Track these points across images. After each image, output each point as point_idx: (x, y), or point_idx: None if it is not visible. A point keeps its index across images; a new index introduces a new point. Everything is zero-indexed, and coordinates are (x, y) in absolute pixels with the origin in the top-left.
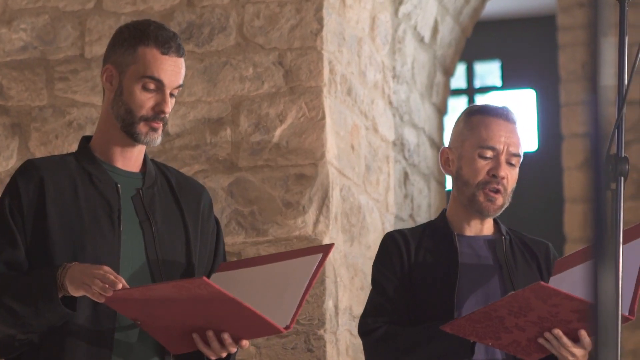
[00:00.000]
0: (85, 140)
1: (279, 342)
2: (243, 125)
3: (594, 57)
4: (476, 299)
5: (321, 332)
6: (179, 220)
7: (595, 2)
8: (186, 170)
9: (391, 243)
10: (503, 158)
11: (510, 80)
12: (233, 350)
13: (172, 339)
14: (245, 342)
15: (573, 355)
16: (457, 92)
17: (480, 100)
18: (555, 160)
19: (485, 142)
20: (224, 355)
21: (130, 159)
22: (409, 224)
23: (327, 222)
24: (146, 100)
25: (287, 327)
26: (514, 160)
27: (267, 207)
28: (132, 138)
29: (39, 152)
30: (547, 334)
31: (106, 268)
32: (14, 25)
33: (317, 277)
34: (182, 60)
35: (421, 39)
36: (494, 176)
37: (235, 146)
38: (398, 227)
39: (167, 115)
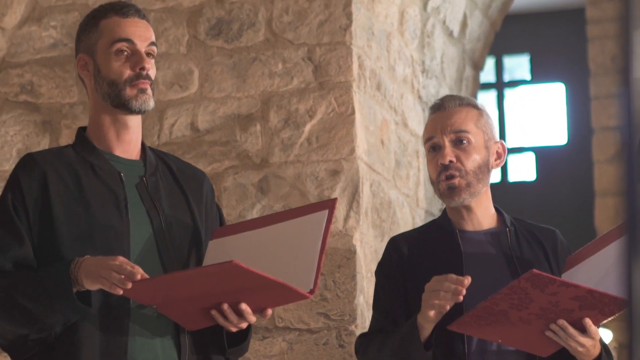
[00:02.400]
0: (82, 131)
1: (310, 338)
2: (273, 121)
3: (625, 49)
4: (486, 296)
5: (352, 327)
6: (184, 207)
7: None
8: (216, 167)
9: (393, 249)
10: (446, 142)
11: (539, 73)
12: (253, 320)
13: (189, 317)
14: (269, 311)
15: (582, 345)
16: (487, 86)
17: (509, 94)
18: (585, 153)
19: (426, 135)
20: (244, 326)
21: (129, 144)
22: None
23: (358, 218)
24: (123, 64)
25: (311, 292)
26: (461, 139)
27: (297, 203)
28: (125, 108)
29: None
30: (553, 326)
31: (121, 259)
32: (44, 22)
33: (328, 234)
34: (145, 22)
35: (450, 33)
36: (442, 164)
37: (265, 142)
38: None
39: (149, 73)
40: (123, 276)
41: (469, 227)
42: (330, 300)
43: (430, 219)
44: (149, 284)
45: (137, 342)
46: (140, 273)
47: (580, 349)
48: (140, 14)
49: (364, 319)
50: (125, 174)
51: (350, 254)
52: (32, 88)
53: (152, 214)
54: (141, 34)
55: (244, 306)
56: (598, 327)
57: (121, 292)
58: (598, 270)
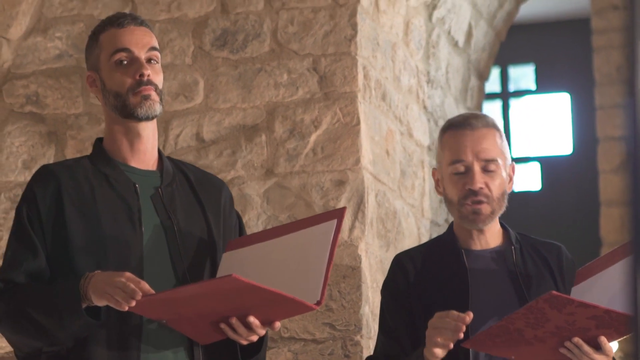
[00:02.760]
0: (99, 142)
1: (315, 348)
2: (278, 131)
3: (630, 59)
4: (492, 315)
5: (358, 337)
6: (200, 217)
7: (631, 4)
8: (222, 177)
9: (397, 268)
10: (476, 168)
11: (544, 83)
12: (262, 332)
13: (200, 330)
14: (277, 324)
15: None
16: (492, 96)
17: (514, 104)
18: (590, 163)
19: (453, 158)
20: (255, 339)
21: (144, 154)
22: (445, 229)
23: (363, 228)
24: (123, 75)
25: (318, 303)
26: (491, 167)
27: (303, 213)
28: (131, 117)
29: None
30: (567, 343)
31: (128, 275)
32: (49, 33)
33: (336, 244)
34: (144, 28)
35: (455, 44)
36: (471, 190)
37: (270, 152)
38: (434, 233)
39: (151, 78)
40: (127, 293)
41: (477, 246)
42: (336, 310)
43: (435, 229)
44: (153, 300)
45: (150, 356)
46: (143, 291)
47: None
48: (136, 21)
49: (369, 329)
50: (141, 185)
51: (355, 264)
52: (37, 99)
53: (166, 225)
54: (138, 40)
55: (252, 319)
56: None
57: (126, 309)
58: (610, 286)
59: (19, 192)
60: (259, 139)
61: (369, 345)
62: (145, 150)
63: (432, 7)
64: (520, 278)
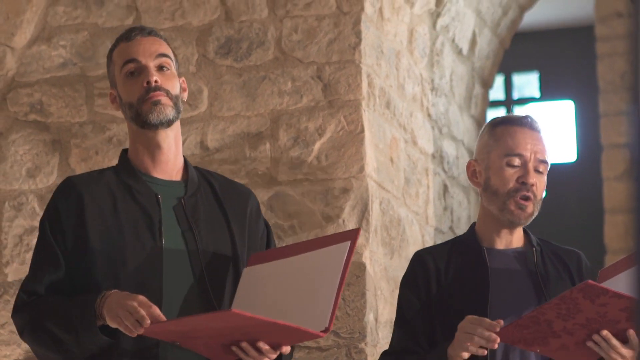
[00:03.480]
0: (125, 153)
1: (320, 356)
2: (282, 139)
3: (634, 67)
4: (510, 313)
5: (362, 345)
6: (224, 228)
7: (635, 12)
8: None
9: (418, 265)
10: (531, 165)
11: (548, 91)
12: (273, 357)
13: (213, 351)
14: (286, 349)
15: (623, 356)
16: (496, 104)
17: (518, 111)
18: (594, 170)
19: (512, 150)
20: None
21: (167, 164)
22: (449, 236)
23: (367, 235)
24: (133, 84)
25: (325, 330)
26: (541, 168)
27: (307, 221)
28: (146, 124)
29: (79, 168)
30: (595, 337)
31: (140, 299)
32: (53, 42)
33: (348, 268)
34: (152, 37)
35: (459, 51)
36: (524, 183)
37: (274, 160)
38: (438, 240)
39: (159, 85)
40: (136, 320)
41: (500, 245)
42: (340, 318)
43: (439, 236)
44: (162, 326)
45: None
46: (153, 316)
47: (620, 359)
48: (144, 32)
49: (373, 336)
50: (163, 195)
51: (359, 272)
52: (41, 107)
53: (187, 235)
54: (145, 49)
55: (262, 344)
56: None
57: (135, 335)
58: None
59: (23, 200)
60: (263, 147)
61: (373, 353)
62: (167, 160)
63: (436, 15)
64: (540, 279)
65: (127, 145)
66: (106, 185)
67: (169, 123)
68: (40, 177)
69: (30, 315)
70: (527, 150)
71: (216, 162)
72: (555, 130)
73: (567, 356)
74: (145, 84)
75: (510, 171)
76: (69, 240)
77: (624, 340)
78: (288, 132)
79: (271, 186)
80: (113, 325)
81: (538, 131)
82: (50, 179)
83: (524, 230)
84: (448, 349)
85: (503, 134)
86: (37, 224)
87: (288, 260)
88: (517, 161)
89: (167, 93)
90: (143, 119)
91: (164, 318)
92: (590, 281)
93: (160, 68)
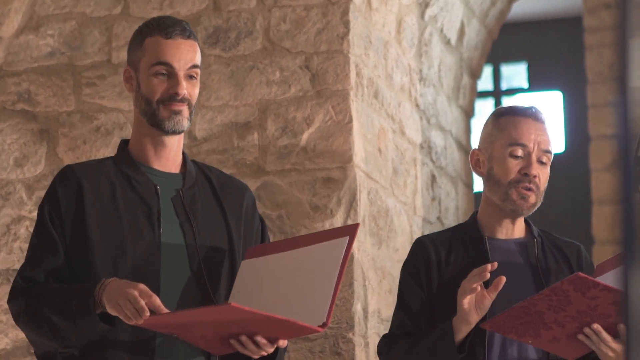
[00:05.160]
0: (124, 144)
1: (306, 346)
2: (270, 129)
3: (622, 58)
4: (509, 303)
5: (350, 335)
6: (220, 221)
7: (623, 3)
8: None
9: (419, 250)
10: (534, 156)
11: (536, 82)
12: (270, 350)
13: (211, 344)
14: (283, 342)
15: (613, 350)
16: (484, 94)
17: (507, 102)
18: (582, 161)
19: (515, 140)
20: (264, 354)
21: (168, 159)
22: (437, 227)
23: None
24: (159, 85)
25: (323, 325)
26: (544, 158)
27: (294, 211)
28: (159, 128)
29: (67, 158)
30: (586, 330)
31: (141, 287)
32: (41, 31)
33: (346, 263)
34: (191, 42)
35: (447, 42)
36: (526, 174)
37: (262, 150)
38: (426, 230)
39: (185, 96)
40: (136, 309)
41: (501, 235)
42: None
43: (427, 226)
44: (160, 319)
45: None
46: (153, 306)
47: (611, 354)
48: (185, 33)
49: (361, 326)
50: (162, 186)
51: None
52: (29, 97)
53: (185, 227)
54: (182, 57)
55: (259, 338)
56: None
57: (134, 324)
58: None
59: (11, 189)
60: (251, 136)
61: (361, 342)
62: (168, 157)
63: (424, 5)
64: (540, 270)
65: (115, 134)
66: (105, 174)
67: (180, 132)
68: (27, 166)
69: (27, 302)
70: (530, 140)
71: (204, 151)
72: None
73: (559, 349)
74: (172, 91)
75: (513, 162)
76: (67, 228)
77: (615, 334)
78: (276, 121)
79: (259, 176)
80: (113, 313)
81: (542, 122)
82: (37, 169)
83: (526, 221)
84: (453, 320)
85: (507, 124)
86: (24, 213)
87: (286, 254)
88: (520, 151)
89: (189, 103)
90: (158, 122)
91: (164, 308)
92: (580, 273)
93: (190, 77)
